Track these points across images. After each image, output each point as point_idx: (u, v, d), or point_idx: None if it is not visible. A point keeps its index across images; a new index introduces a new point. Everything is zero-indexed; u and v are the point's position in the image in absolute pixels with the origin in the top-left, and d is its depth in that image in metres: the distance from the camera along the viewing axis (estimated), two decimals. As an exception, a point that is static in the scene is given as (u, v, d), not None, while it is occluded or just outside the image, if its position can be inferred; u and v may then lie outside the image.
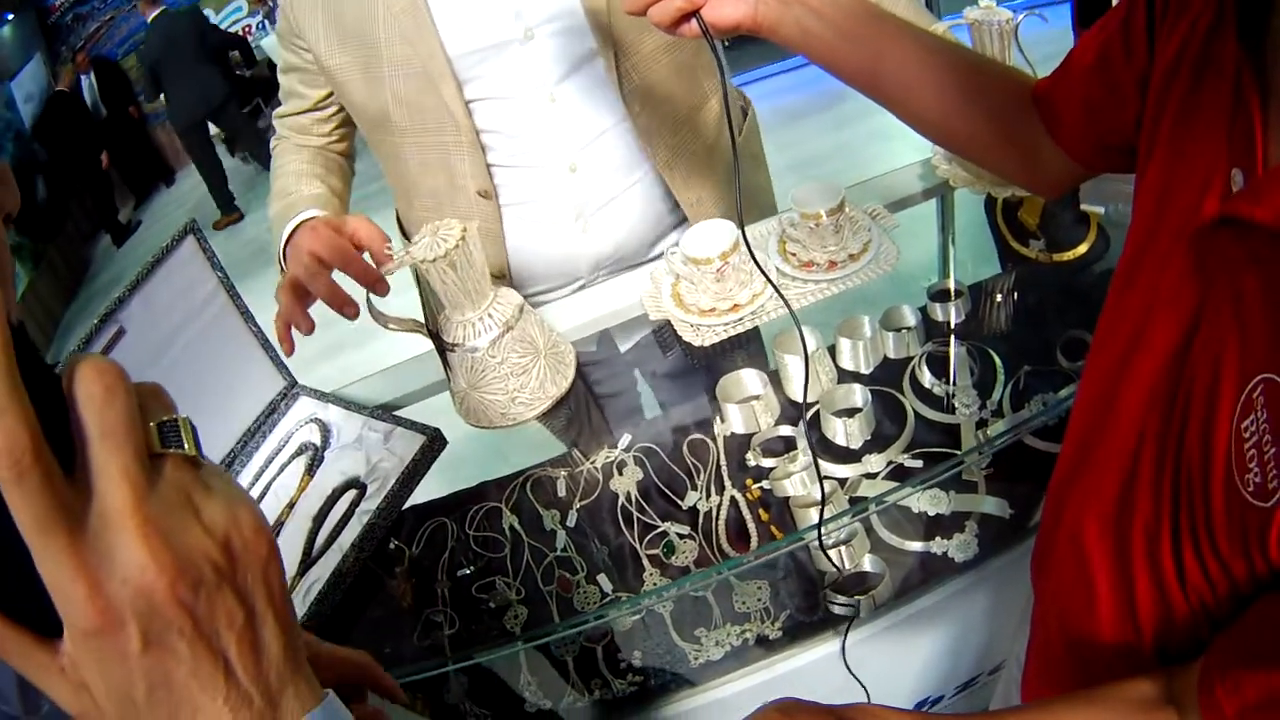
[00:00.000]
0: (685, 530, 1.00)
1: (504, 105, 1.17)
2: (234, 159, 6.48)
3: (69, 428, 0.31)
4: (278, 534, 1.09)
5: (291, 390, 1.28)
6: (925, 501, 1.02)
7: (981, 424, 1.00)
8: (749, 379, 1.10)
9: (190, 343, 1.12)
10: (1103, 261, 1.15)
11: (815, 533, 0.89)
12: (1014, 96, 0.81)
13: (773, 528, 0.98)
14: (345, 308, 1.04)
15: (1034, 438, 1.02)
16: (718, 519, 1.01)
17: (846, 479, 0.99)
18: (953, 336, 1.09)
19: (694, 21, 0.82)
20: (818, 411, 1.04)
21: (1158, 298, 0.56)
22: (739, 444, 1.08)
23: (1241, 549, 0.47)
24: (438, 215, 1.16)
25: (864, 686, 0.99)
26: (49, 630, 0.32)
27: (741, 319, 1.11)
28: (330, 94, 1.26)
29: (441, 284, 1.02)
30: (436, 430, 1.13)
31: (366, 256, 1.04)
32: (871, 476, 0.99)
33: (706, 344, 1.11)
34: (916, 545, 1.04)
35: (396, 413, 1.22)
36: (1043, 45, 1.14)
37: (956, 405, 1.02)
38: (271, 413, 1.25)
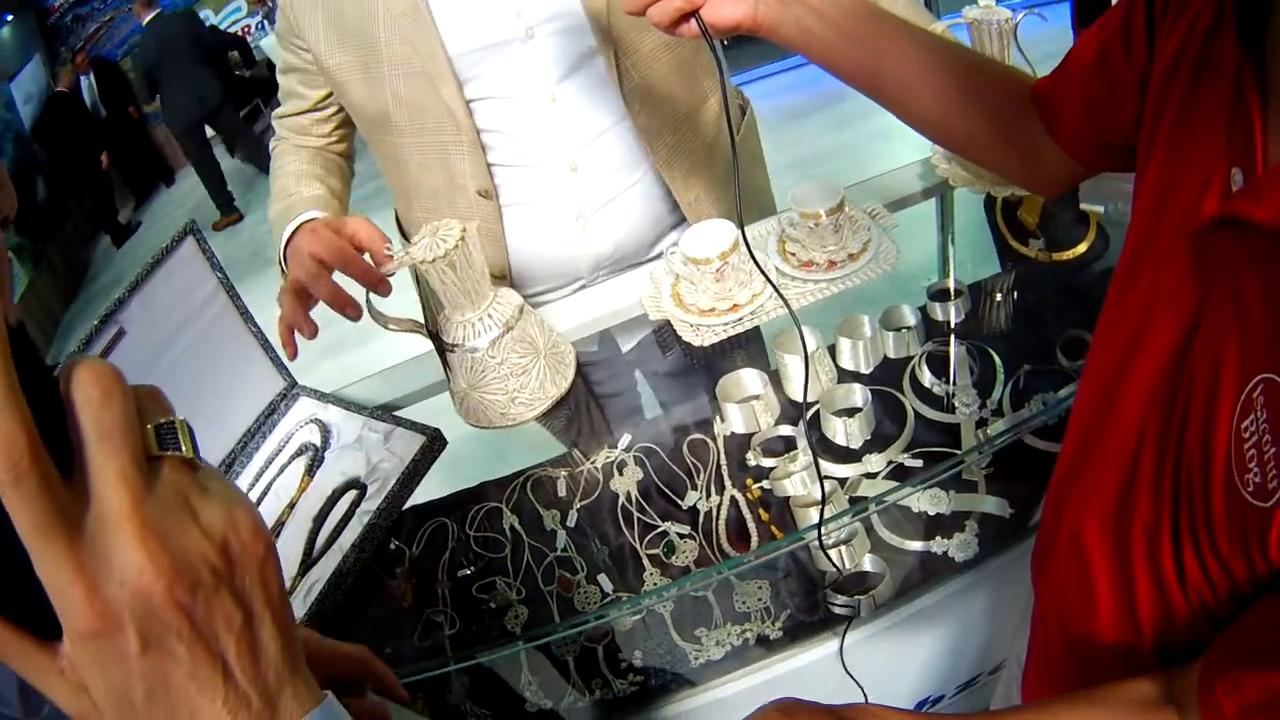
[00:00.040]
0: (685, 530, 1.00)
1: (505, 105, 1.17)
2: (234, 159, 6.47)
3: (67, 430, 0.31)
4: (278, 534, 1.09)
5: (291, 391, 1.28)
6: (925, 501, 1.02)
7: (981, 423, 1.00)
8: (749, 379, 1.10)
9: (190, 344, 1.12)
10: (1102, 260, 1.15)
11: (815, 532, 0.89)
12: (1013, 96, 0.81)
13: (773, 527, 0.98)
14: (348, 309, 1.04)
15: (1034, 437, 1.02)
16: (718, 519, 1.01)
17: (846, 479, 0.99)
18: (953, 336, 1.09)
19: (693, 21, 0.82)
20: (818, 411, 1.04)
21: (1157, 297, 0.56)
22: (739, 444, 1.08)
23: (1241, 549, 0.47)
24: (437, 215, 1.16)
25: (861, 687, 0.99)
26: (49, 632, 0.32)
27: (741, 319, 1.11)
28: (329, 94, 1.26)
29: (441, 284, 1.02)
30: (436, 431, 1.13)
31: (367, 257, 1.04)
32: (872, 476, 0.99)
33: (706, 344, 1.11)
34: (917, 545, 1.03)
35: (396, 413, 1.22)
36: (1042, 44, 1.14)
37: (956, 405, 1.02)
38: (271, 413, 1.25)
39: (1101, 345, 0.65)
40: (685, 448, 1.09)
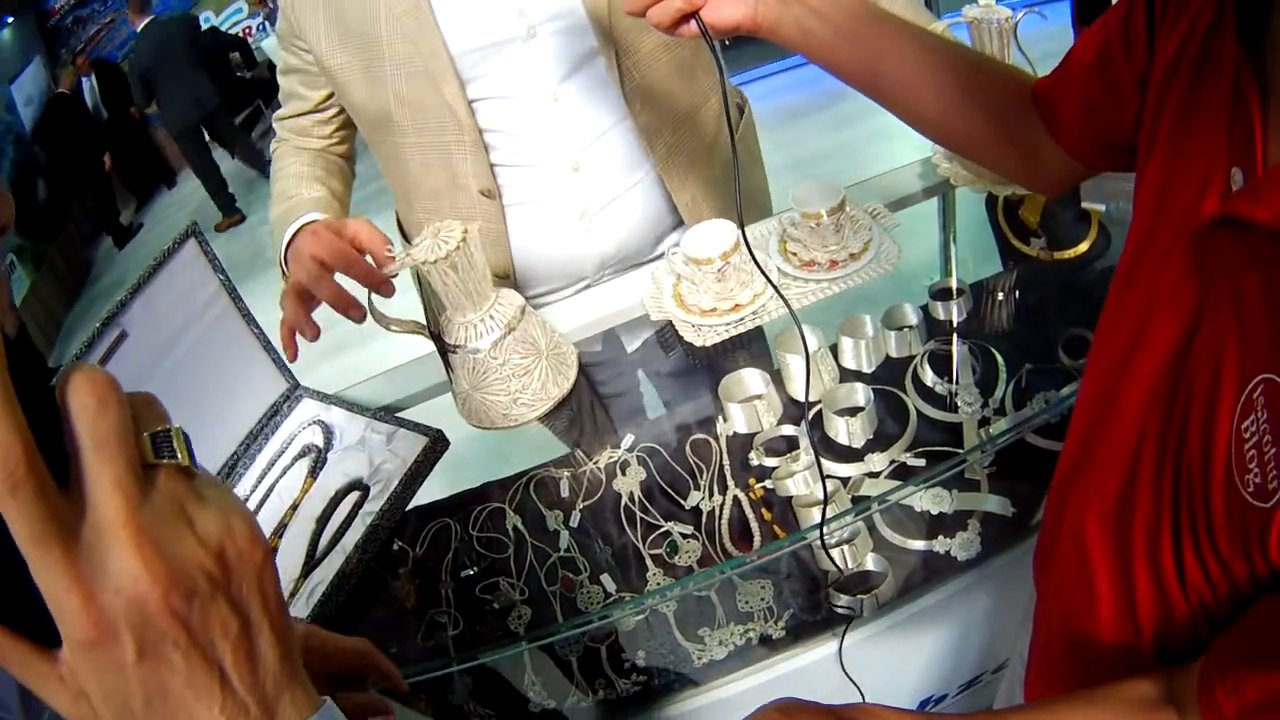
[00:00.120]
0: (688, 530, 1.00)
1: (506, 104, 1.17)
2: (234, 160, 6.47)
3: (63, 438, 0.31)
4: (281, 536, 1.09)
5: (294, 392, 1.28)
6: (928, 500, 1.02)
7: (984, 422, 1.00)
8: (751, 378, 1.10)
9: (192, 345, 1.13)
10: (1104, 259, 1.15)
11: (818, 532, 0.89)
12: (1014, 95, 0.81)
13: (775, 527, 0.98)
14: (351, 310, 1.04)
15: (1036, 436, 1.02)
16: (720, 518, 1.01)
17: (849, 478, 0.99)
18: (954, 335, 1.09)
19: (693, 22, 0.82)
20: (820, 411, 1.04)
21: (1158, 297, 0.56)
22: (742, 443, 1.08)
23: (1242, 549, 0.47)
24: (438, 216, 1.16)
25: (859, 689, 0.99)
26: (48, 639, 0.32)
27: (743, 319, 1.11)
28: (330, 95, 1.26)
29: (443, 285, 1.02)
30: (439, 431, 1.14)
31: (368, 259, 1.04)
32: (874, 475, 0.99)
33: (708, 344, 1.11)
34: (919, 544, 1.03)
35: (399, 414, 1.22)
36: (1042, 43, 1.14)
37: (959, 404, 1.02)
38: (274, 415, 1.25)
39: (1103, 344, 0.65)
40: (688, 447, 1.09)
